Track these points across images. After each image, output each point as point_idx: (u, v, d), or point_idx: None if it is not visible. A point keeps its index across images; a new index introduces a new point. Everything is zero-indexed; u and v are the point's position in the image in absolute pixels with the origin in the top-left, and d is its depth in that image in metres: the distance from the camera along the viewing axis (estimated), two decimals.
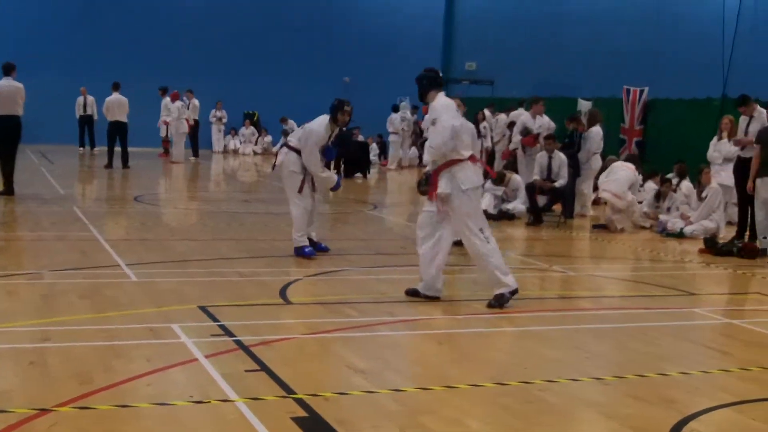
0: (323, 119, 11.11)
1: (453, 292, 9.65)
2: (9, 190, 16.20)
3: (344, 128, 11.43)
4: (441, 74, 9.13)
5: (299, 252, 11.03)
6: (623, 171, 15.79)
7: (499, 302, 8.61)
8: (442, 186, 8.65)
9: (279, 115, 33.38)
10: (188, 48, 33.82)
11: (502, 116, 22.87)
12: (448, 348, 7.24)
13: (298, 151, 11.12)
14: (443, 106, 8.75)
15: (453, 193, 8.63)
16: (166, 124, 28.03)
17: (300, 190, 11.09)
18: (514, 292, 8.70)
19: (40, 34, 31.91)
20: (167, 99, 28.35)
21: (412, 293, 8.96)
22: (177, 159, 27.25)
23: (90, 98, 29.90)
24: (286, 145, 11.53)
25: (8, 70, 16.47)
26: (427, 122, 8.99)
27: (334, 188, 11.79)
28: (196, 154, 29.39)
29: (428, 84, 8.91)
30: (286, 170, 11.21)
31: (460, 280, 10.53)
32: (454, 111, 8.80)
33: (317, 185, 11.42)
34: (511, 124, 20.52)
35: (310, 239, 11.27)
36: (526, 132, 18.13)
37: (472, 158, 8.77)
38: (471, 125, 9.41)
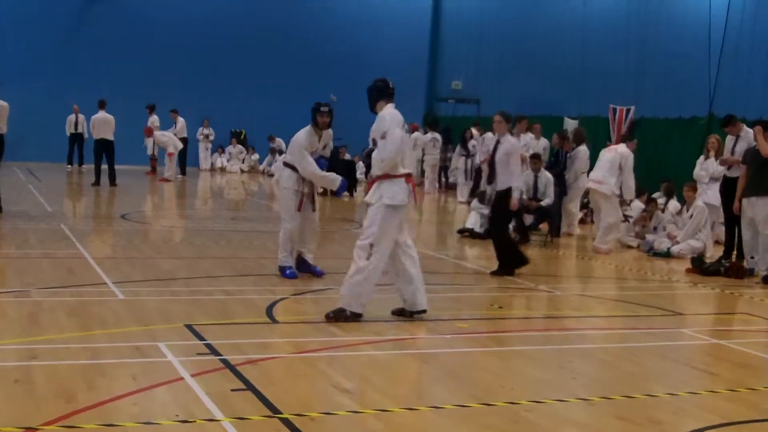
0: (306, 127, 11.09)
1: (438, 312, 9.64)
2: None
3: (327, 128, 11.15)
4: (391, 85, 9.07)
5: (282, 272, 10.99)
6: (606, 153, 15.67)
7: (336, 315, 8.54)
8: (368, 196, 8.73)
9: (266, 133, 33.40)
10: (176, 66, 33.81)
11: (489, 135, 22.98)
12: (433, 367, 7.24)
13: (293, 168, 11.06)
14: (392, 118, 8.73)
15: (375, 205, 8.62)
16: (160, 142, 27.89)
17: (299, 208, 10.95)
18: (357, 316, 8.58)
19: (27, 51, 31.87)
20: (154, 116, 28.42)
21: (399, 312, 8.95)
22: (167, 177, 27.20)
23: (81, 116, 29.86)
24: (284, 162, 11.46)
25: None
26: (375, 132, 8.87)
27: (339, 191, 11.49)
28: (183, 172, 29.37)
29: (377, 94, 8.94)
30: (281, 187, 11.17)
31: (444, 300, 10.51)
32: (402, 124, 8.76)
33: (316, 204, 11.31)
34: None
35: (304, 260, 11.17)
36: None
37: (407, 177, 8.74)
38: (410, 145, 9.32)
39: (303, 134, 11.01)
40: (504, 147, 11.80)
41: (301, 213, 10.97)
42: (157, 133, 27.93)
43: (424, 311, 8.85)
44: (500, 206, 12.03)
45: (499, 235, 12.34)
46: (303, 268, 11.14)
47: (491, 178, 11.93)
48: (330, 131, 11.28)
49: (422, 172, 29.98)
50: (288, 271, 10.97)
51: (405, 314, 8.89)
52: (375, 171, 8.83)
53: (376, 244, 8.54)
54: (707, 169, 16.15)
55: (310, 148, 10.92)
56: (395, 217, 8.62)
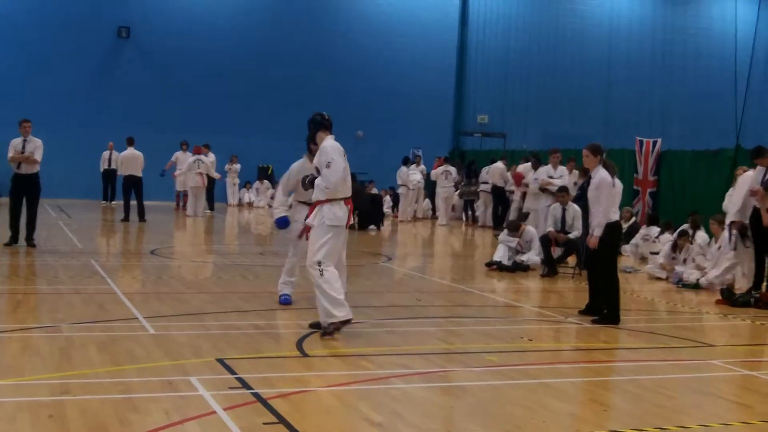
0: (300, 159, 11.62)
1: (467, 345, 9.66)
2: (14, 241, 16.58)
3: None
4: (327, 117, 9.88)
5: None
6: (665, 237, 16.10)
7: (324, 332, 9.29)
8: (310, 218, 9.57)
9: None
10: (204, 102, 34.11)
11: (499, 164, 24.03)
12: (463, 401, 7.24)
13: (304, 202, 11.21)
14: (333, 148, 9.50)
15: (315, 225, 9.46)
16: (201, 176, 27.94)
17: (299, 237, 11.05)
18: (346, 321, 9.31)
19: (58, 89, 32.23)
20: (187, 153, 28.75)
21: (315, 325, 9.56)
22: (191, 213, 27.29)
23: (115, 153, 30.14)
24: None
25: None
26: (319, 163, 9.57)
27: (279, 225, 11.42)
28: (211, 207, 29.53)
29: (314, 127, 9.87)
30: (293, 220, 11.44)
31: (473, 333, 10.51)
32: (342, 153, 9.51)
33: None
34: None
35: None
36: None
37: (346, 200, 9.55)
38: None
39: (295, 166, 11.54)
40: (594, 181, 11.30)
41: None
42: (194, 176, 27.82)
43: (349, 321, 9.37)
44: (606, 243, 11.22)
45: (611, 277, 11.30)
46: None
47: (585, 215, 11.82)
48: None
49: (433, 204, 30.13)
50: (282, 298, 11.40)
51: (318, 327, 9.50)
52: (319, 196, 9.55)
53: (323, 260, 9.35)
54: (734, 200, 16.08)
55: (301, 177, 11.06)
56: (337, 236, 9.49)
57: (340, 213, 9.52)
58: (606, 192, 11.16)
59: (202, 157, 27.64)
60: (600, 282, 11.34)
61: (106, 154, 30.54)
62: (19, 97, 30.63)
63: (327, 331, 9.31)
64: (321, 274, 9.32)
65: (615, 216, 11.28)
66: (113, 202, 30.06)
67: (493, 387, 7.74)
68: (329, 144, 9.59)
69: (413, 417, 6.66)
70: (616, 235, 11.47)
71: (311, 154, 11.00)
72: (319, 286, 9.31)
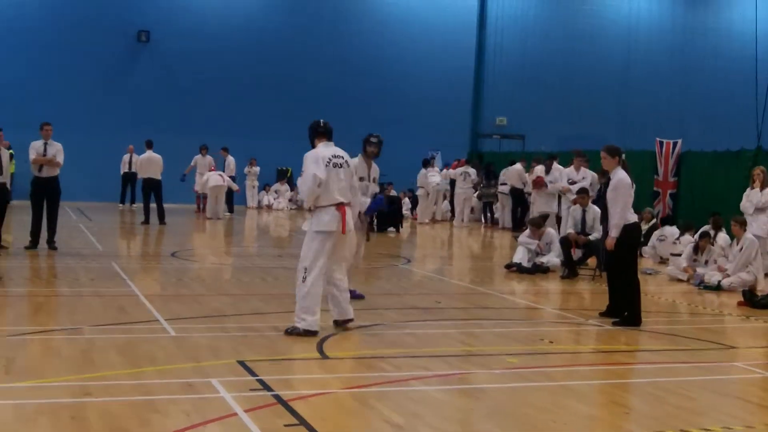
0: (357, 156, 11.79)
1: (486, 347, 9.65)
2: (35, 244, 16.65)
3: (375, 157, 11.98)
4: (323, 124, 10.11)
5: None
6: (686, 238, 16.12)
7: (290, 331, 9.53)
8: (305, 224, 9.84)
9: None
10: (223, 105, 34.17)
11: (516, 166, 24.23)
12: (483, 403, 7.23)
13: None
14: (312, 158, 9.72)
15: (307, 231, 9.87)
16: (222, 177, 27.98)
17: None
18: (310, 333, 9.41)
19: (76, 93, 32.37)
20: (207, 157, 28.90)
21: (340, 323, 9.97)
22: (210, 215, 27.38)
23: (135, 156, 30.25)
24: None
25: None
26: (306, 164, 9.86)
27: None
28: (230, 210, 29.60)
29: (311, 134, 10.10)
30: None
31: (493, 335, 10.50)
32: (321, 162, 9.63)
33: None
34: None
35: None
36: (571, 184, 18.50)
37: (339, 207, 9.65)
38: (347, 175, 9.95)
39: (353, 161, 11.29)
40: (612, 182, 11.23)
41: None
42: (215, 176, 27.89)
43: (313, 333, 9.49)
44: (624, 244, 11.09)
45: (630, 278, 11.13)
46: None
47: (604, 217, 11.81)
48: (376, 166, 12.04)
49: (452, 206, 30.09)
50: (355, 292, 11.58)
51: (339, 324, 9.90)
52: (305, 204, 9.96)
53: (309, 267, 9.60)
54: (752, 200, 16.06)
55: (358, 175, 11.21)
56: (326, 242, 9.63)
57: (327, 218, 9.64)
58: (623, 193, 11.08)
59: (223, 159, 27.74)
60: (619, 284, 11.25)
61: (126, 157, 30.66)
62: (38, 100, 30.78)
63: (293, 331, 9.52)
64: (303, 281, 9.59)
65: (633, 217, 11.20)
66: (133, 205, 30.17)
67: (513, 389, 7.73)
68: (311, 153, 9.81)
69: (432, 419, 6.65)
70: (634, 237, 11.36)
71: (365, 154, 11.85)
72: (300, 289, 9.57)
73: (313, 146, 10.00)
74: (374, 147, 11.90)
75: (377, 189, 12.00)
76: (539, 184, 18.50)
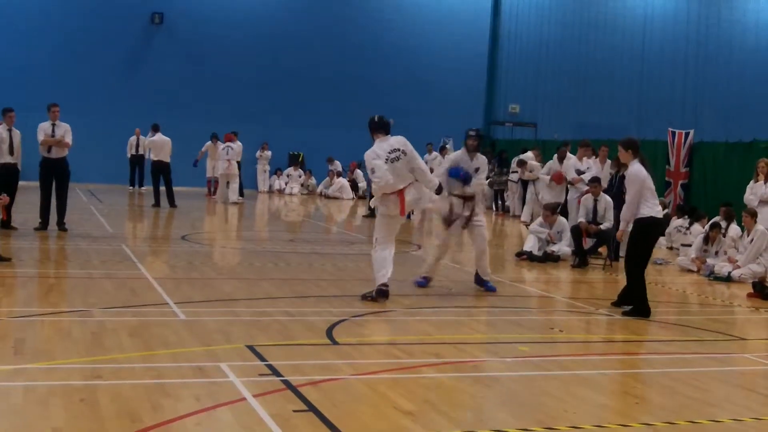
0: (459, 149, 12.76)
1: (498, 335, 9.64)
2: (45, 225, 16.69)
3: (476, 151, 12.48)
4: (377, 119, 11.19)
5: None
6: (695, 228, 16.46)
7: (367, 296, 10.92)
8: (364, 210, 11.35)
9: (324, 156, 33.62)
10: (235, 89, 34.14)
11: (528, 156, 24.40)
12: (495, 391, 7.22)
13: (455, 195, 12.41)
14: (372, 155, 10.91)
15: (379, 212, 11.29)
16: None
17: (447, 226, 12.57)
18: (382, 292, 10.89)
19: (88, 75, 32.38)
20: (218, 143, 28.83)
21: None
22: (220, 200, 27.41)
23: (142, 138, 30.26)
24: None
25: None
26: (366, 164, 11.13)
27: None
28: (241, 194, 29.61)
29: (370, 128, 11.22)
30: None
31: (504, 323, 10.49)
32: (382, 155, 10.86)
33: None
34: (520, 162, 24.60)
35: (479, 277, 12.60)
36: (579, 173, 18.33)
37: (398, 193, 10.94)
38: (404, 164, 10.95)
39: (453, 156, 12.68)
40: (627, 176, 11.29)
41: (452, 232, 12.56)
42: (223, 162, 27.86)
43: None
44: (636, 238, 11.09)
45: (635, 271, 11.10)
46: (478, 282, 12.62)
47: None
48: (483, 157, 12.67)
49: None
50: (419, 281, 12.47)
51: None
52: (376, 192, 11.12)
53: (377, 241, 11.13)
54: (756, 192, 16.01)
55: (454, 164, 12.33)
56: (391, 223, 11.22)
57: (391, 204, 10.99)
58: (635, 187, 10.99)
59: (231, 144, 27.65)
60: (635, 275, 11.17)
61: (133, 139, 30.61)
62: (50, 82, 30.80)
63: (373, 296, 10.92)
64: (375, 251, 11.12)
65: (650, 211, 10.99)
66: (142, 188, 30.18)
67: (525, 377, 7.72)
68: (370, 151, 10.99)
69: (444, 406, 6.64)
70: (647, 232, 11.08)
71: (466, 147, 12.42)
72: (374, 259, 11.11)
73: (373, 140, 11.09)
74: (472, 140, 12.43)
75: (483, 179, 12.67)
76: (560, 178, 18.33)
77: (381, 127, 11.09)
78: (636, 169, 11.07)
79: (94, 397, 6.30)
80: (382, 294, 10.88)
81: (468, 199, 12.32)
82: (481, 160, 12.52)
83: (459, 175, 12.13)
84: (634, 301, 11.05)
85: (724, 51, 39.90)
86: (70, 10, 32.65)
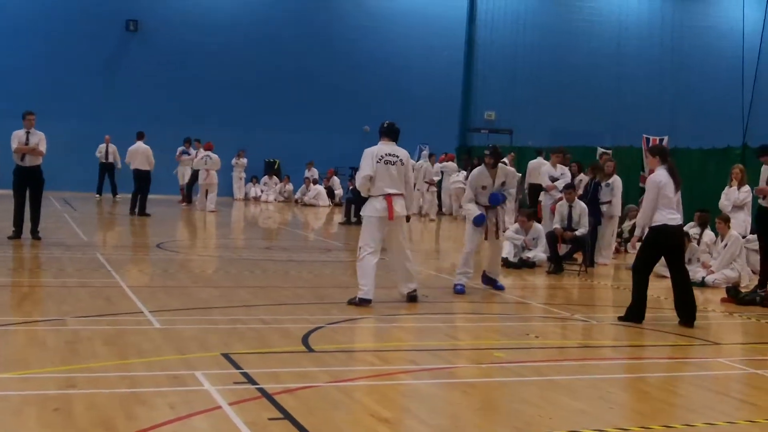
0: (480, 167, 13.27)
1: (475, 341, 9.65)
2: (18, 234, 16.56)
3: (494, 167, 13.00)
4: (386, 125, 11.56)
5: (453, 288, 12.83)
6: None
7: (352, 301, 11.03)
8: (362, 210, 11.48)
9: (300, 163, 33.62)
10: (211, 97, 34.15)
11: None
12: (472, 397, 7.22)
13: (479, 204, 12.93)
14: (367, 154, 11.26)
15: (364, 216, 11.35)
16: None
17: (485, 237, 13.02)
18: (365, 301, 10.91)
19: (64, 82, 32.27)
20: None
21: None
22: (200, 207, 27.41)
23: (112, 146, 30.18)
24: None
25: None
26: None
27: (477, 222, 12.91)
28: (189, 200, 29.50)
29: (379, 131, 11.59)
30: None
31: (481, 329, 10.51)
32: (373, 159, 11.16)
33: (500, 233, 13.18)
34: None
35: (489, 277, 13.30)
36: (553, 180, 18.37)
37: (386, 196, 11.15)
38: (399, 171, 11.30)
39: (474, 172, 13.19)
40: (647, 182, 11.34)
41: (488, 239, 13.00)
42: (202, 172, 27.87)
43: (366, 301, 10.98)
44: (645, 243, 11.13)
45: (640, 276, 11.11)
46: (486, 282, 13.32)
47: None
48: (509, 169, 13.43)
49: (440, 200, 30.10)
50: (458, 287, 12.76)
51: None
52: (362, 193, 11.50)
53: (362, 245, 11.18)
54: (730, 198, 16.13)
55: (479, 183, 12.88)
56: (377, 226, 11.18)
57: (377, 206, 11.15)
58: (651, 193, 10.93)
59: (210, 154, 27.62)
60: (639, 280, 11.12)
61: (102, 147, 30.49)
62: (24, 89, 30.70)
63: (352, 301, 11.03)
64: (359, 257, 11.15)
65: (664, 219, 10.83)
66: (117, 196, 30.03)
67: (501, 383, 7.73)
68: (368, 150, 11.30)
69: (421, 413, 6.64)
70: (656, 239, 10.96)
71: (485, 164, 13.00)
72: (357, 265, 11.20)
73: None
74: (487, 158, 13.03)
75: (504, 194, 13.10)
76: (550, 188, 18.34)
77: (388, 133, 11.47)
78: (655, 175, 11.06)
79: (69, 406, 6.26)
80: (364, 302, 11.00)
81: (492, 208, 12.93)
82: (506, 171, 13.16)
83: (499, 201, 12.91)
84: (631, 305, 11.07)
85: (698, 57, 40.20)
86: (45, 18, 32.56)
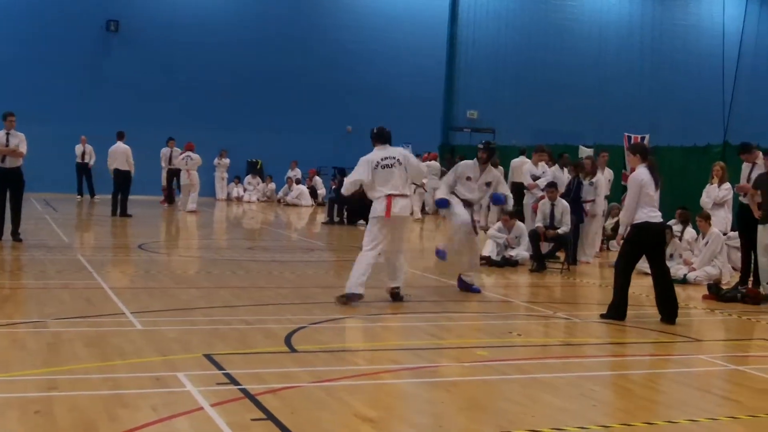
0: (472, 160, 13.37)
1: (457, 340, 9.66)
2: None
3: (485, 163, 13.11)
4: (376, 130, 11.75)
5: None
6: None
7: (344, 299, 11.15)
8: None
9: (283, 163, 33.59)
10: (193, 97, 34.06)
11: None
12: (455, 396, 7.22)
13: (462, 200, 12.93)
14: (362, 161, 11.56)
15: (370, 216, 11.58)
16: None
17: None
18: (355, 297, 11.13)
19: (44, 83, 32.11)
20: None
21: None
22: (183, 207, 27.34)
23: (88, 147, 30.07)
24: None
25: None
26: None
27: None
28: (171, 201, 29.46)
29: (371, 138, 11.79)
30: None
31: (463, 327, 10.52)
32: (368, 166, 11.44)
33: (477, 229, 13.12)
34: None
35: (465, 281, 12.94)
36: (535, 179, 18.37)
37: (387, 197, 11.36)
38: (400, 172, 11.51)
39: (463, 163, 13.34)
40: (628, 180, 11.38)
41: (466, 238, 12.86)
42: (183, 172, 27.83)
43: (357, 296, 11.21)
44: (627, 240, 11.19)
45: (621, 273, 11.19)
46: (462, 286, 12.96)
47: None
48: (494, 170, 13.38)
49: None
50: (473, 287, 12.88)
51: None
52: (345, 187, 11.99)
53: (365, 244, 11.46)
54: (710, 195, 16.21)
55: (465, 173, 13.01)
56: (377, 225, 11.45)
57: (378, 207, 11.41)
58: (632, 191, 11.00)
59: (191, 154, 27.56)
60: (619, 276, 11.18)
61: (78, 147, 30.32)
62: (4, 90, 30.51)
63: (344, 299, 11.15)
64: (361, 254, 11.45)
65: (646, 216, 10.90)
66: (96, 197, 29.88)
67: (484, 382, 7.74)
68: (363, 158, 11.58)
69: (404, 412, 6.64)
70: (638, 236, 11.02)
71: (478, 159, 13.05)
72: (357, 261, 11.43)
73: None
74: (481, 152, 13.07)
75: (488, 191, 13.22)
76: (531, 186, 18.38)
77: (379, 138, 11.68)
78: (637, 174, 11.11)
79: (50, 409, 6.23)
80: (352, 297, 11.18)
81: (471, 205, 12.98)
82: (495, 174, 13.22)
83: (501, 201, 13.29)
84: (613, 303, 11.11)
85: (679, 56, 40.35)
86: (24, 19, 32.39)
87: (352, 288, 11.16)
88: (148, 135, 29.66)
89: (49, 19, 32.65)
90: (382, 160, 11.49)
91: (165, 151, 29.60)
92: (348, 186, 11.75)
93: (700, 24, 40.97)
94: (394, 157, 11.53)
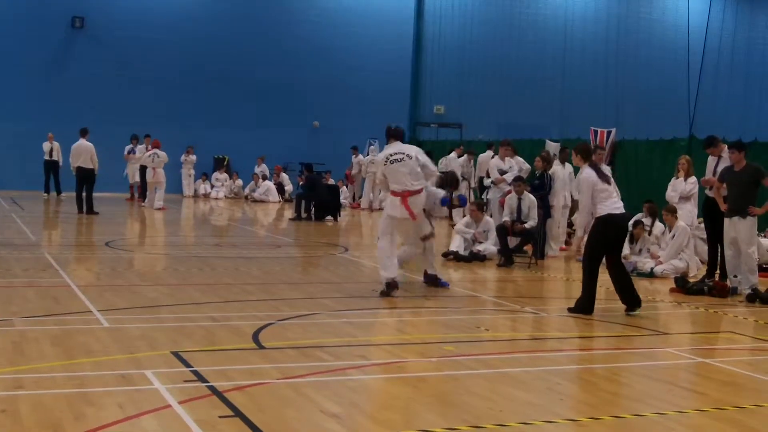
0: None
1: (424, 335, 9.67)
2: None
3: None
4: (393, 127, 12.40)
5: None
6: None
7: (385, 291, 11.69)
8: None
9: (250, 159, 33.50)
10: (159, 93, 33.91)
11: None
12: (421, 391, 7.23)
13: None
14: (377, 160, 12.47)
15: (384, 213, 12.28)
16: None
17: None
18: (390, 285, 11.72)
19: (9, 80, 31.87)
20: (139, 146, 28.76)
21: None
22: (148, 205, 27.23)
23: (56, 144, 29.84)
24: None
25: None
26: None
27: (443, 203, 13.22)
28: (141, 196, 29.32)
29: (386, 135, 12.51)
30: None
31: (430, 323, 10.53)
32: (381, 164, 12.13)
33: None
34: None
35: (431, 275, 13.02)
36: (501, 173, 18.37)
37: (398, 194, 11.86)
38: (406, 166, 11.90)
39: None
40: (578, 182, 11.56)
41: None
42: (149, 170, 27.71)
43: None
44: (591, 234, 11.21)
45: (589, 268, 11.20)
46: (429, 281, 13.02)
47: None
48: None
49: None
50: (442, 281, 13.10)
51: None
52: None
53: (380, 237, 12.13)
54: (677, 189, 16.33)
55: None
56: (390, 221, 12.02)
57: (392, 206, 11.97)
58: (585, 193, 11.08)
59: (157, 151, 27.42)
60: (587, 272, 11.22)
61: (46, 144, 30.08)
62: None
63: (383, 293, 11.74)
64: (377, 246, 12.28)
65: (606, 209, 10.99)
66: (62, 194, 29.66)
67: (451, 377, 7.74)
68: (376, 156, 12.44)
69: (371, 408, 6.64)
70: (602, 229, 11.07)
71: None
72: (377, 254, 12.23)
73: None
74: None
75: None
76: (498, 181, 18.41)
77: (393, 135, 12.32)
78: (583, 174, 11.18)
79: (15, 408, 6.18)
80: (390, 287, 11.75)
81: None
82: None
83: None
84: (580, 297, 11.16)
85: (644, 49, 40.58)
86: None
87: (382, 278, 11.81)
88: (113, 132, 29.48)
89: (15, 15, 32.38)
90: (390, 155, 11.98)
91: (140, 148, 29.50)
92: (377, 183, 12.63)
93: (665, 18, 41.24)
94: (403, 152, 11.97)
